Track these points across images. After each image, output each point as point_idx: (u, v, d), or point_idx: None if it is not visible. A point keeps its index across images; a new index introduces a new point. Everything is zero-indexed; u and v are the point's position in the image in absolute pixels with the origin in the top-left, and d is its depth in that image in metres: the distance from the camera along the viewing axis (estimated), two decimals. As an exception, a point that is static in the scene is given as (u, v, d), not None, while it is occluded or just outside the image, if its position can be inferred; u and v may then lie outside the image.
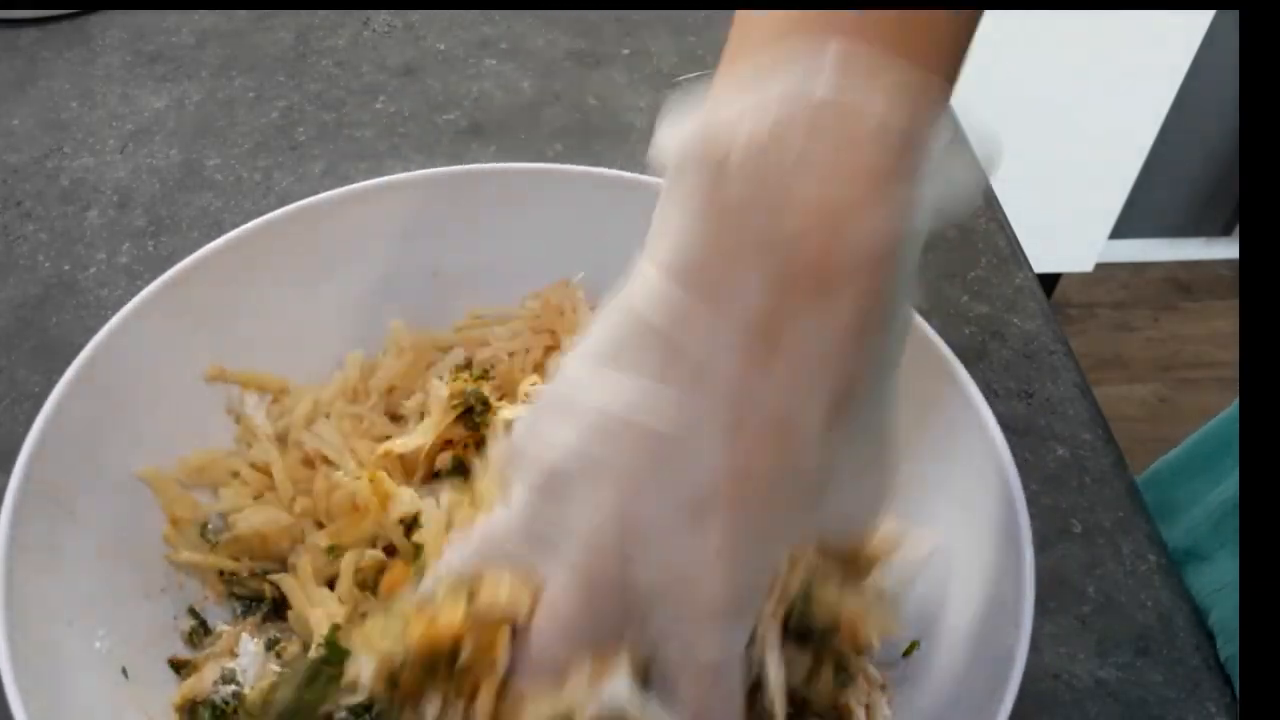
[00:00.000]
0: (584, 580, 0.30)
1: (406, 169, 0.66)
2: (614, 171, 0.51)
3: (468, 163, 0.63)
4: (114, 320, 0.43)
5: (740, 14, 0.31)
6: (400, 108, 0.71)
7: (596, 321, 0.31)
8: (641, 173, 0.51)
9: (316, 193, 0.49)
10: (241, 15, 0.77)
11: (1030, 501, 0.52)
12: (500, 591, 0.31)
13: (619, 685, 0.30)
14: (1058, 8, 1.46)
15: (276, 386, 0.48)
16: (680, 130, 0.29)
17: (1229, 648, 0.48)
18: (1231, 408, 0.60)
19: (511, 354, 0.50)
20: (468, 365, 0.49)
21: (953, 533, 0.42)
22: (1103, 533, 0.52)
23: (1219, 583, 0.50)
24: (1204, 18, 1.50)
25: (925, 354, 0.44)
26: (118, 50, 0.74)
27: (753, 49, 0.30)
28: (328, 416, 0.47)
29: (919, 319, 0.43)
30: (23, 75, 0.72)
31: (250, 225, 0.47)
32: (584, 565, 0.30)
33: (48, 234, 0.62)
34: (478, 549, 0.33)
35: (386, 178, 0.50)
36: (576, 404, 0.30)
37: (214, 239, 0.47)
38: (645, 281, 0.29)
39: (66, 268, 0.60)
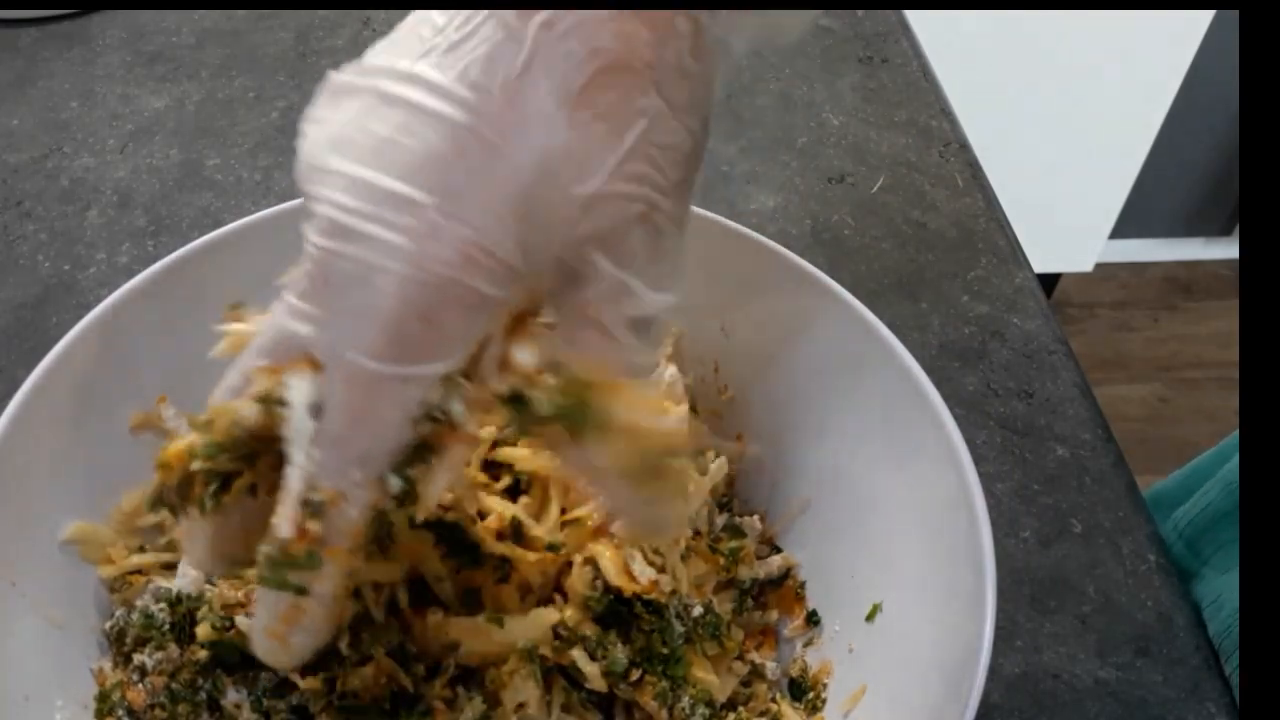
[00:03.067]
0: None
1: (406, 169, 0.66)
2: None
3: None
4: (35, 373, 0.40)
5: None
6: (400, 108, 0.71)
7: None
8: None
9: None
10: (241, 15, 0.78)
11: (1030, 501, 0.53)
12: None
13: (299, 385, 0.30)
14: (1059, 8, 1.46)
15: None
16: None
17: (1227, 665, 0.48)
18: (1221, 444, 0.60)
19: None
20: None
21: (906, 497, 0.42)
22: (1103, 533, 0.52)
23: (1209, 599, 0.50)
24: (1204, 18, 1.50)
25: (863, 331, 0.43)
26: (118, 50, 0.74)
27: None
28: None
29: (871, 315, 0.43)
30: (23, 75, 0.72)
31: (173, 256, 0.44)
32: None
33: (48, 234, 0.62)
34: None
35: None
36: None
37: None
38: None
39: (66, 268, 0.60)
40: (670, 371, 0.46)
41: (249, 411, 0.31)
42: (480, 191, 0.28)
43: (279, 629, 0.32)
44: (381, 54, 0.30)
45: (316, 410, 0.30)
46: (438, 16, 0.29)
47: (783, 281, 0.45)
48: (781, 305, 0.46)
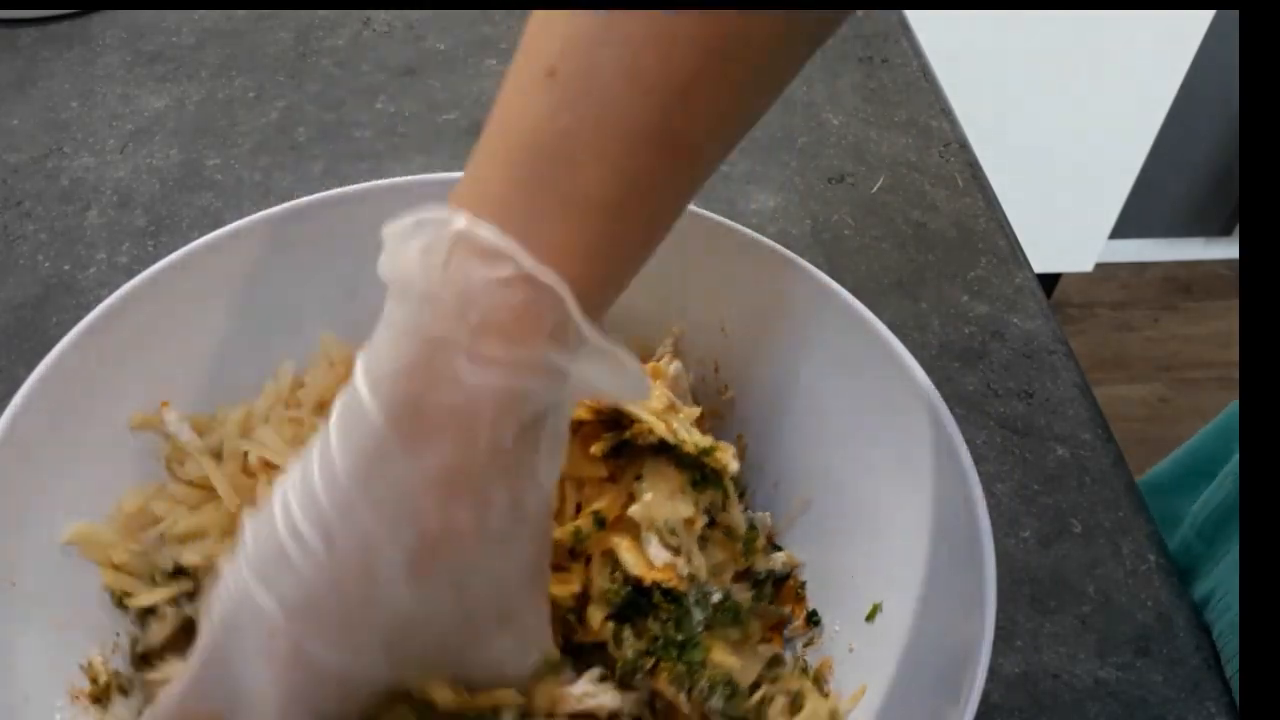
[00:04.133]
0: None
1: (407, 169, 0.66)
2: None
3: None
4: (33, 377, 0.40)
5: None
6: (400, 108, 0.71)
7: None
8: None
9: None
10: (241, 15, 0.78)
11: (1030, 501, 0.53)
12: None
13: None
14: (1059, 8, 1.46)
15: (205, 422, 0.46)
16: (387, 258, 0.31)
17: (1233, 666, 0.48)
18: (1221, 417, 0.60)
19: None
20: None
21: (906, 498, 0.42)
22: (1103, 533, 0.52)
23: (1217, 597, 0.50)
24: (1204, 18, 1.50)
25: (863, 332, 0.43)
26: (118, 50, 0.74)
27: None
28: (266, 421, 0.46)
29: (870, 313, 0.43)
30: (23, 75, 0.72)
31: (173, 256, 0.44)
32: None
33: (48, 234, 0.62)
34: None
35: (300, 201, 0.47)
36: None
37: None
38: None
39: (66, 268, 0.60)
40: (675, 366, 0.46)
41: None
42: (343, 630, 0.32)
43: None
44: (284, 483, 0.33)
45: None
46: (320, 452, 0.32)
47: (783, 281, 0.45)
48: (782, 305, 0.46)
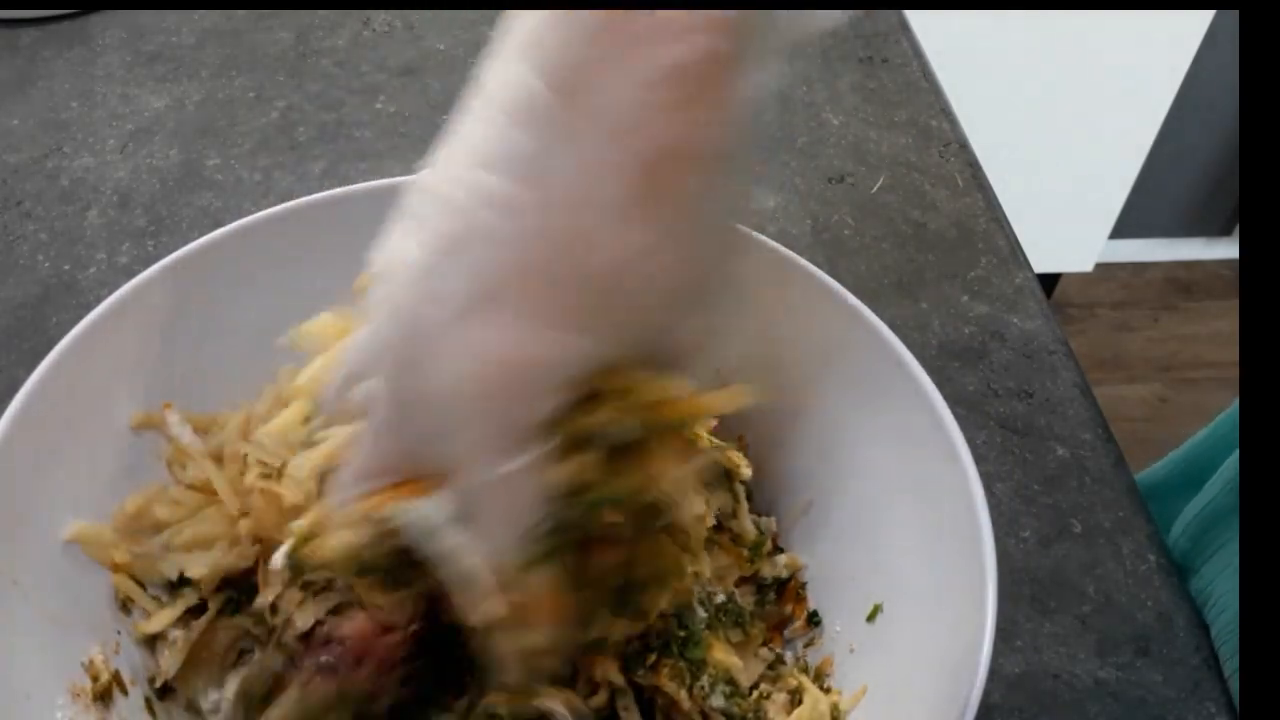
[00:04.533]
0: (382, 418, 0.32)
1: (406, 169, 0.66)
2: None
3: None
4: (34, 377, 0.40)
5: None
6: (400, 108, 0.71)
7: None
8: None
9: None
10: (241, 15, 0.77)
11: (1030, 501, 0.53)
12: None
13: (428, 506, 0.32)
14: (1059, 8, 1.46)
15: (206, 422, 0.46)
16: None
17: (1228, 666, 0.48)
18: (1213, 424, 0.60)
19: None
20: None
21: (907, 498, 0.42)
22: (1103, 533, 0.52)
23: (1206, 596, 0.50)
24: (1204, 18, 1.50)
25: (865, 332, 0.43)
26: (118, 50, 0.74)
27: None
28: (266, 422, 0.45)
29: (871, 313, 0.43)
30: (23, 75, 0.72)
31: (173, 256, 0.44)
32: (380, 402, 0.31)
33: (48, 234, 0.62)
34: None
35: (302, 200, 0.47)
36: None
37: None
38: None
39: (66, 268, 0.60)
40: None
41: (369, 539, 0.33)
42: (546, 297, 0.29)
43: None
44: (448, 161, 0.30)
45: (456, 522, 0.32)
46: (486, 116, 0.29)
47: (785, 282, 0.45)
48: (783, 306, 0.46)
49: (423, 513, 0.32)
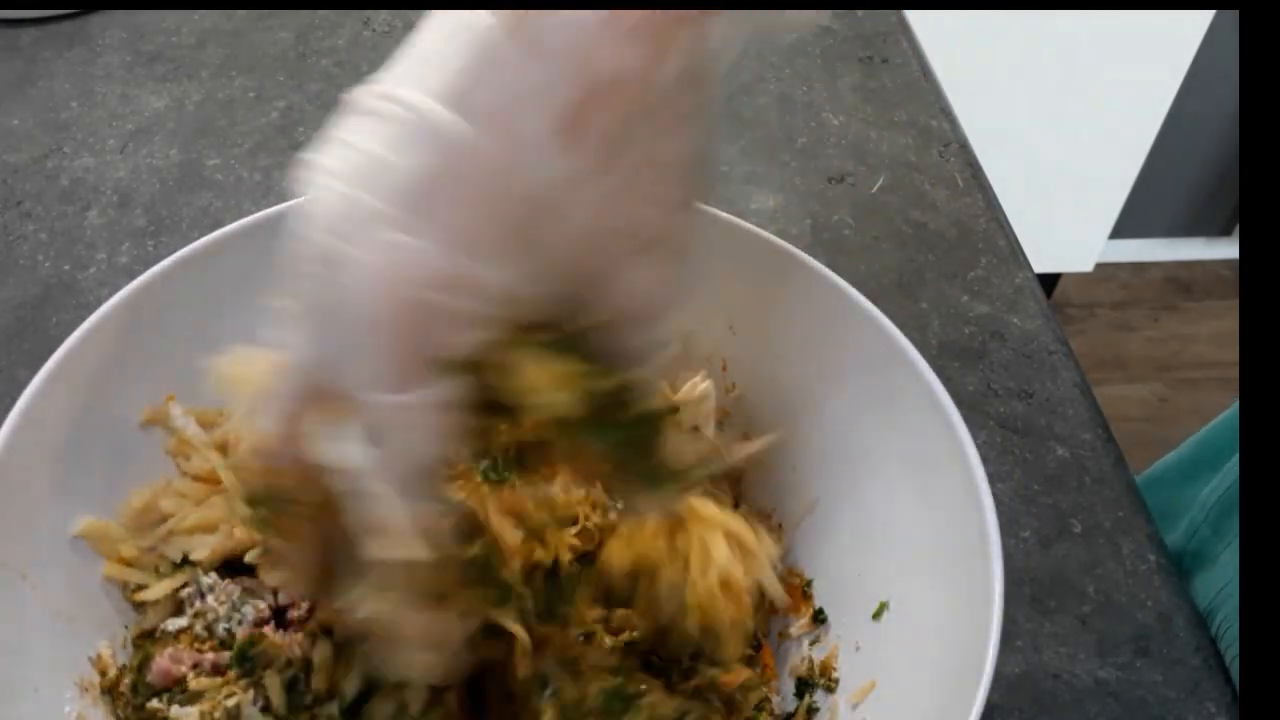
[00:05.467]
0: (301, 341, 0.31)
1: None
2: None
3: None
4: (39, 375, 0.40)
5: None
6: (400, 108, 0.71)
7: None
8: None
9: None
10: (241, 15, 0.77)
11: (1030, 501, 0.53)
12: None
13: (339, 430, 0.30)
14: (1059, 8, 1.46)
15: (211, 416, 0.46)
16: None
17: (1235, 650, 0.48)
18: (1231, 410, 0.60)
19: None
20: None
21: (912, 496, 0.42)
22: (1103, 533, 0.52)
23: (1223, 583, 0.50)
24: (1204, 18, 1.50)
25: (871, 330, 0.43)
26: (118, 50, 0.74)
27: None
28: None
29: (877, 311, 0.43)
30: (23, 75, 0.72)
31: (174, 256, 0.44)
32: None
33: (48, 234, 0.62)
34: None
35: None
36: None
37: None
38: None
39: (66, 268, 0.60)
40: (704, 387, 0.46)
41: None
42: (468, 218, 0.28)
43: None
44: (384, 80, 0.29)
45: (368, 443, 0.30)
46: (430, 39, 0.29)
47: (791, 279, 0.45)
48: (789, 303, 0.46)
49: (333, 436, 0.31)
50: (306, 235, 0.29)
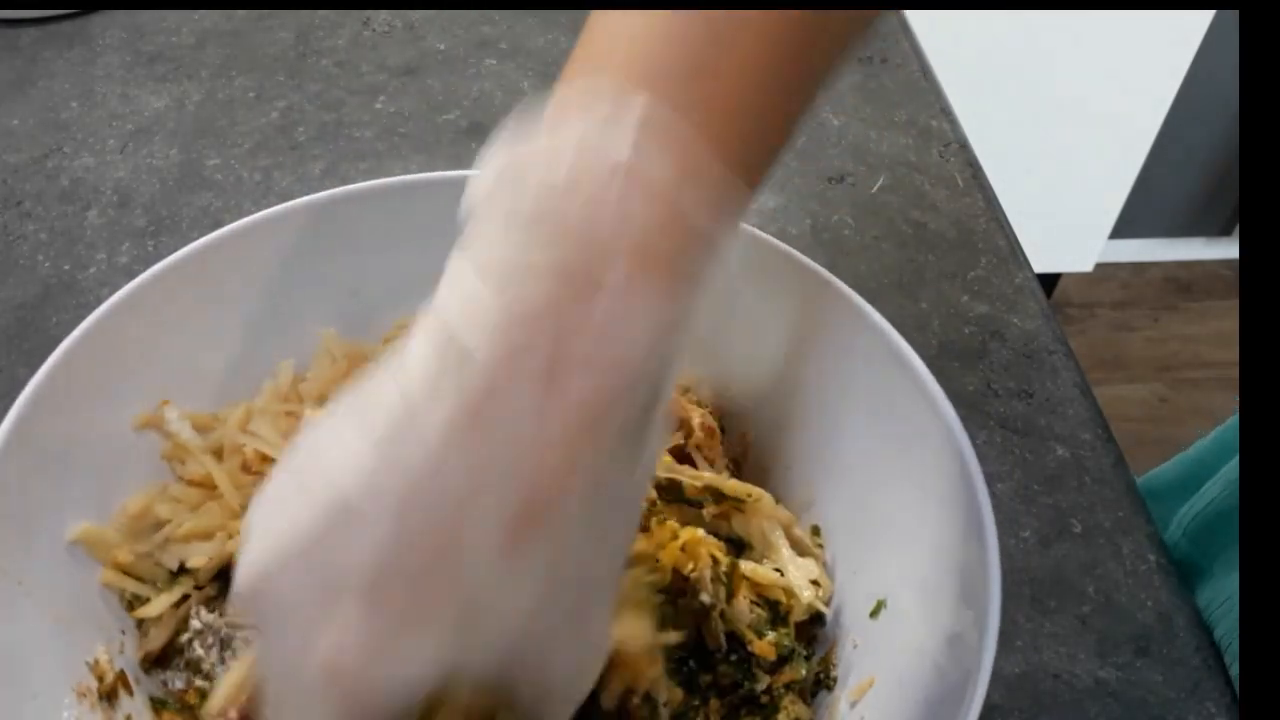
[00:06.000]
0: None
1: (406, 169, 0.66)
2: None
3: (467, 164, 0.63)
4: (36, 378, 0.40)
5: (593, 20, 0.29)
6: (400, 108, 0.71)
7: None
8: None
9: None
10: (241, 15, 0.78)
11: (1030, 501, 0.53)
12: None
13: None
14: (1059, 8, 1.46)
15: (206, 421, 0.46)
16: (491, 162, 0.28)
17: (1233, 668, 0.47)
18: (1217, 431, 0.60)
19: None
20: None
21: (910, 494, 0.42)
22: (1103, 533, 0.52)
23: (1220, 597, 0.50)
24: (1204, 18, 1.50)
25: (868, 330, 0.43)
26: (118, 50, 0.74)
27: (585, 69, 0.29)
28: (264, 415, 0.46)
29: (873, 311, 0.43)
30: (23, 75, 0.72)
31: (174, 256, 0.44)
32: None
33: (48, 234, 0.62)
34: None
35: (301, 200, 0.47)
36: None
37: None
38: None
39: (66, 268, 0.60)
40: (701, 416, 0.46)
41: None
42: (410, 606, 0.28)
43: None
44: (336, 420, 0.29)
45: None
46: (379, 391, 0.28)
47: (788, 279, 0.45)
48: (786, 303, 0.46)
49: None
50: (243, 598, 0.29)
